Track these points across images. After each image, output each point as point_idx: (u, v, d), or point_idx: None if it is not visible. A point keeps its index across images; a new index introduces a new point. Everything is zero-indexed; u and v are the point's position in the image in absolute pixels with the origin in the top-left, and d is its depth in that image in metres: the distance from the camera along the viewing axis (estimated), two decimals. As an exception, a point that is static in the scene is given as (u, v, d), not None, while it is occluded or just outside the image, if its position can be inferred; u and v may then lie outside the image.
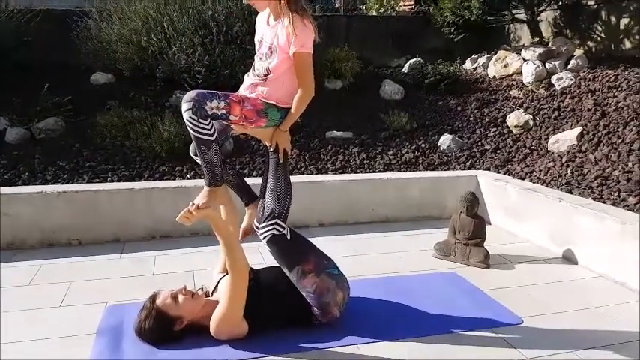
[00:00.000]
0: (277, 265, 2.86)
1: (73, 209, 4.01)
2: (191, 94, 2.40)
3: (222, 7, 5.98)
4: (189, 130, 2.43)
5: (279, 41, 2.47)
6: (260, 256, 3.55)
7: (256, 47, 2.66)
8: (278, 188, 2.65)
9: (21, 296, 3.11)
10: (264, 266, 2.99)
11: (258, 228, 2.69)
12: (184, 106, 2.39)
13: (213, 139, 2.45)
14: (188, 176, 4.69)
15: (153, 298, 2.52)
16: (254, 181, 4.35)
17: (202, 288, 2.79)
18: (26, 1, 6.61)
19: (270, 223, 2.61)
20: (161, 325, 2.46)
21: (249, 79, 2.67)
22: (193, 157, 2.85)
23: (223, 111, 2.43)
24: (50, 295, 3.12)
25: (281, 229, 2.63)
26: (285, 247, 2.66)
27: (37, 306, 2.98)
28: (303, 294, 2.66)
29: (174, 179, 4.63)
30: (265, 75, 2.56)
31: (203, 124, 2.39)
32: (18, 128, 5.15)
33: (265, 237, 2.63)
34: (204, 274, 3.30)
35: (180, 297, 2.52)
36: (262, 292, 2.63)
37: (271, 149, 2.68)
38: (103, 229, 4.09)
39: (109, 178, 4.58)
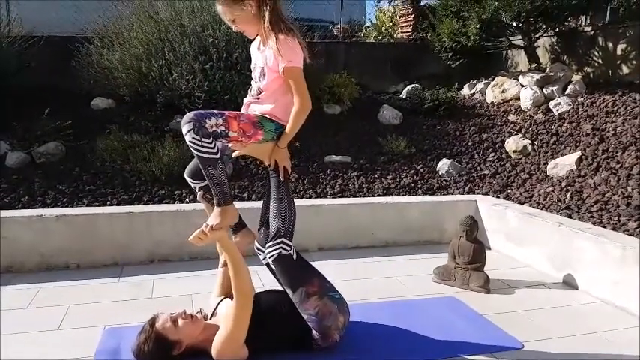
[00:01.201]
0: (277, 288, 2.87)
1: (72, 233, 4.01)
2: (189, 115, 2.43)
3: (222, 34, 6.05)
4: (193, 152, 2.44)
5: (267, 62, 2.54)
6: (259, 280, 3.54)
7: (252, 73, 2.72)
8: (282, 207, 2.67)
9: (19, 319, 3.09)
10: (264, 289, 2.98)
11: (261, 250, 2.69)
12: (185, 128, 2.41)
13: (218, 157, 2.46)
14: (187, 200, 4.69)
15: (152, 322, 2.50)
16: (253, 205, 4.37)
17: (201, 311, 2.77)
18: (28, 28, 6.68)
19: (276, 242, 2.64)
20: (160, 348, 2.44)
21: (245, 99, 2.74)
22: (188, 179, 2.85)
23: (222, 128, 2.45)
24: (48, 319, 3.10)
25: (288, 248, 2.65)
26: (290, 267, 2.67)
27: (35, 329, 2.96)
28: (304, 317, 2.65)
29: (174, 203, 4.63)
30: (258, 94, 2.63)
31: (206, 142, 2.41)
32: (18, 152, 5.17)
33: (272, 256, 2.64)
34: (203, 298, 3.28)
35: (180, 321, 2.50)
36: (262, 315, 2.61)
37: (271, 168, 2.69)
38: (101, 252, 4.08)
39: (108, 202, 4.59)
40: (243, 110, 2.71)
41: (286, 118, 2.61)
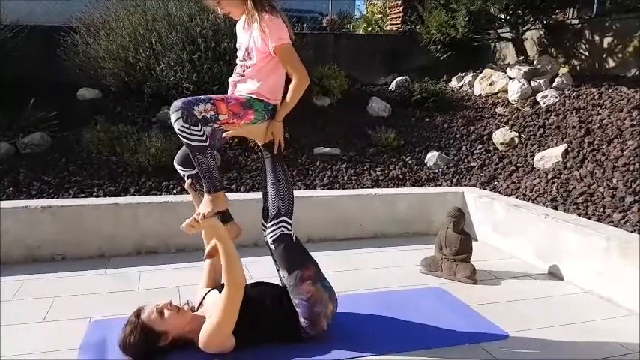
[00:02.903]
0: (264, 281, 2.89)
1: (58, 224, 3.97)
2: (177, 103, 2.42)
3: (210, 24, 6.00)
4: (182, 140, 2.44)
5: (255, 42, 2.55)
6: (247, 272, 3.53)
7: (237, 52, 2.73)
8: (279, 186, 2.73)
9: (4, 311, 3.07)
10: (251, 282, 2.98)
11: (265, 227, 2.75)
12: (173, 116, 2.40)
13: (207, 144, 2.47)
14: (175, 191, 4.67)
15: (138, 313, 2.49)
16: (243, 197, 4.37)
17: (188, 303, 2.76)
18: (12, 17, 6.59)
19: (278, 221, 2.69)
20: (146, 340, 2.43)
21: (230, 79, 2.74)
22: (177, 167, 2.85)
23: (211, 112, 2.46)
24: (33, 311, 3.08)
25: (289, 228, 2.71)
26: (289, 248, 2.71)
27: (20, 321, 2.94)
28: (295, 301, 2.67)
29: (161, 194, 4.60)
30: (243, 71, 2.64)
31: (195, 130, 2.41)
32: (3, 143, 5.10)
33: (273, 236, 2.69)
34: (190, 290, 3.27)
35: (166, 312, 2.49)
36: (250, 306, 2.61)
37: (266, 142, 2.73)
38: (88, 244, 4.05)
39: (94, 193, 4.55)
40: (229, 91, 2.72)
41: (273, 97, 2.65)
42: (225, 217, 2.89)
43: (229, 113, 2.52)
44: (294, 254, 2.72)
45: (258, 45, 2.53)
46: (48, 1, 7.86)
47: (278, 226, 2.69)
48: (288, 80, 2.69)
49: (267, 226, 2.73)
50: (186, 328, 2.55)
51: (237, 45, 2.72)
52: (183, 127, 2.39)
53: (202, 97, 2.50)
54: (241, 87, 2.66)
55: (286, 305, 2.70)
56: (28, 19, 6.66)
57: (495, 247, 4.48)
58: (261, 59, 2.57)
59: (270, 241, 2.71)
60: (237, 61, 2.71)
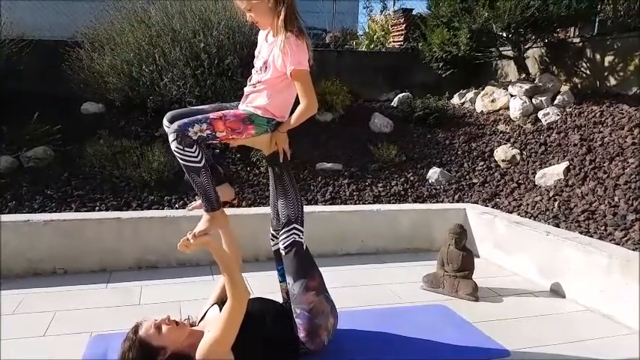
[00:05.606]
0: (264, 297, 2.89)
1: (60, 238, 3.98)
2: (173, 126, 2.45)
3: (213, 40, 6.05)
4: (178, 159, 2.47)
5: (274, 59, 2.54)
6: (247, 286, 3.52)
7: (254, 60, 2.73)
8: (288, 195, 2.76)
9: (5, 325, 3.06)
10: (251, 297, 2.97)
11: (276, 236, 2.80)
12: (170, 137, 2.45)
13: (201, 165, 2.48)
14: (177, 206, 4.68)
15: (136, 329, 2.47)
16: (244, 212, 4.38)
17: (189, 318, 2.75)
18: (18, 31, 6.64)
19: (289, 228, 2.72)
20: (144, 355, 2.40)
21: (246, 88, 2.74)
22: (165, 122, 2.81)
23: (208, 132, 2.48)
24: (34, 325, 3.07)
25: (301, 236, 2.73)
26: (299, 256, 2.73)
27: (21, 335, 2.94)
28: (297, 311, 2.67)
29: (163, 209, 4.61)
30: (255, 85, 2.64)
31: (189, 151, 2.43)
32: (6, 156, 5.13)
33: (285, 242, 2.71)
34: (191, 305, 3.27)
35: (164, 327, 2.47)
36: (249, 322, 2.59)
37: (271, 151, 2.74)
38: (89, 258, 4.05)
39: (96, 207, 4.56)
40: (242, 101, 2.71)
41: (280, 114, 2.65)
42: (218, 178, 2.82)
43: (227, 130, 2.53)
44: (302, 262, 2.74)
45: (277, 63, 2.52)
46: (53, 15, 7.92)
47: (290, 233, 2.71)
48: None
49: (279, 235, 2.75)
50: (184, 343, 2.52)
51: (256, 53, 2.73)
52: (178, 147, 2.42)
53: (200, 117, 2.51)
54: (252, 99, 2.66)
55: (286, 321, 2.70)
56: (32, 34, 6.71)
57: (497, 264, 4.47)
58: (276, 77, 2.57)
59: (282, 247, 2.73)
60: (253, 70, 2.71)
